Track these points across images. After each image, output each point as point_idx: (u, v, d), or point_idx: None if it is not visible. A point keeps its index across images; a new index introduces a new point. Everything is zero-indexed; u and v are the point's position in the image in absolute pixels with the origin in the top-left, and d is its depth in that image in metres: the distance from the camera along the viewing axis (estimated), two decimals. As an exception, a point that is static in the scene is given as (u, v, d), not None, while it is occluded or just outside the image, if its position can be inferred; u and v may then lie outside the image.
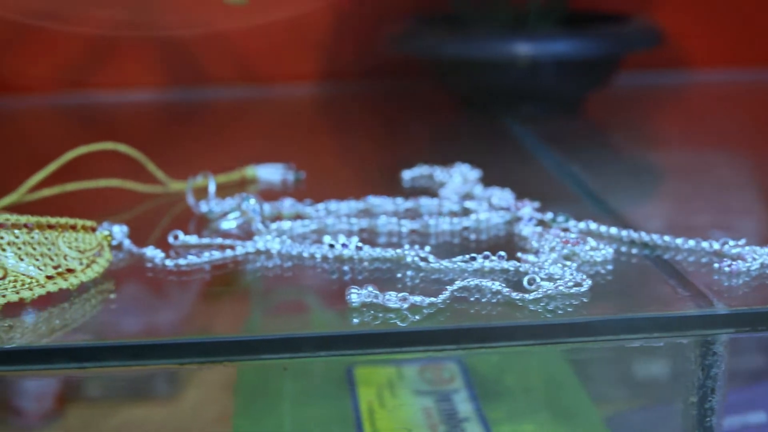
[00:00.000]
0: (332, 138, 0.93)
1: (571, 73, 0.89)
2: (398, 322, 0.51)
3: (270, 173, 0.72)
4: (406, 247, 0.58)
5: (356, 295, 0.52)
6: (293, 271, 0.58)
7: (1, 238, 0.54)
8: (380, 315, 0.52)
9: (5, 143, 0.90)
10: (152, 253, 0.59)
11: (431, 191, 0.70)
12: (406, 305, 0.52)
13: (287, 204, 0.65)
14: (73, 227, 0.57)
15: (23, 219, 0.55)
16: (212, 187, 0.66)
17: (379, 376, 0.72)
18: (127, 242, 0.60)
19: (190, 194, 0.66)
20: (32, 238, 0.55)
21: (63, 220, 0.57)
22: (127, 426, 0.83)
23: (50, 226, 0.56)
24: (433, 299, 0.52)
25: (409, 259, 0.57)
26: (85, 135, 0.95)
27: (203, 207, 0.65)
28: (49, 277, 0.54)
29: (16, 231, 0.54)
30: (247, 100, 1.02)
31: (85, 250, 0.57)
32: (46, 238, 0.55)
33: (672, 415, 0.64)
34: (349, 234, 0.62)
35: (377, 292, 0.52)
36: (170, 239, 0.61)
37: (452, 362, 0.74)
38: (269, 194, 0.69)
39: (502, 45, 0.87)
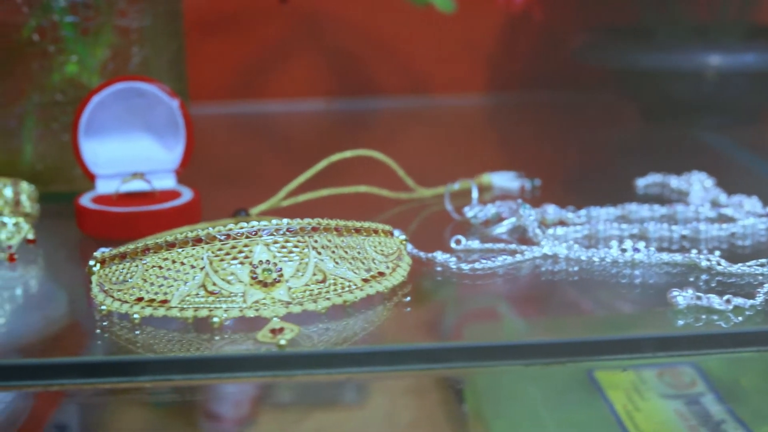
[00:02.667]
0: (517, 147, 0.93)
1: (759, 84, 0.90)
2: (722, 324, 0.52)
3: (505, 180, 0.72)
4: (694, 251, 0.59)
5: (681, 298, 0.53)
6: (579, 274, 0.59)
7: (315, 241, 0.54)
8: (703, 317, 0.52)
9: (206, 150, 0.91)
10: (442, 257, 0.59)
11: (664, 198, 0.71)
12: (730, 307, 0.53)
13: (551, 210, 0.66)
14: (375, 231, 0.57)
15: (333, 223, 0.55)
16: (475, 193, 0.66)
17: (622, 380, 0.72)
18: (408, 246, 0.60)
19: (448, 200, 0.67)
20: (342, 242, 0.55)
21: (366, 225, 0.57)
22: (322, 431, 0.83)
23: (356, 230, 0.56)
24: (752, 301, 0.53)
25: (704, 264, 0.58)
26: (265, 144, 0.96)
27: (468, 212, 0.65)
28: (365, 281, 0.55)
29: (329, 235, 0.55)
30: (417, 110, 1.03)
31: (389, 254, 0.57)
32: (354, 242, 0.56)
33: None
34: (620, 239, 0.63)
35: (701, 294, 0.53)
36: (452, 244, 0.61)
37: (688, 366, 0.74)
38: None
39: (692, 56, 0.88)
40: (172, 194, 0.67)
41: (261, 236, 0.53)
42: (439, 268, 0.59)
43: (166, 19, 0.74)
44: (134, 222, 0.65)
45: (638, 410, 0.68)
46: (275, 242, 0.53)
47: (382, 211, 0.70)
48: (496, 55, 1.04)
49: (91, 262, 0.55)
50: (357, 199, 0.71)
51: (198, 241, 0.53)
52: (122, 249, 0.55)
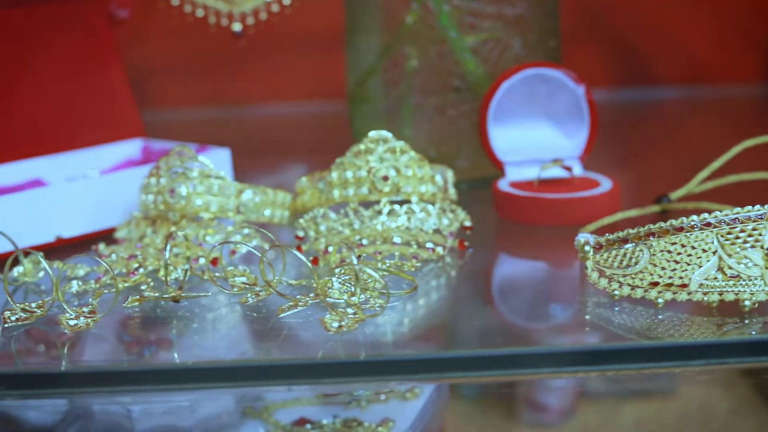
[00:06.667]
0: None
1: None
2: None
3: None
4: None
5: None
6: None
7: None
8: None
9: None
10: None
11: None
12: None
13: None
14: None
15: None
16: None
17: None
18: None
19: None
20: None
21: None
22: (642, 423, 0.83)
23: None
24: None
25: None
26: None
27: None
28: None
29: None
30: (696, 99, 1.02)
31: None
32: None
33: None
34: None
35: None
36: None
37: None
38: None
39: None
40: (587, 181, 0.68)
41: (770, 220, 0.54)
42: None
43: (546, 11, 0.74)
44: (561, 208, 0.65)
45: None
46: (779, 226, 0.54)
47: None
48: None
49: (587, 248, 0.56)
50: (738, 186, 0.71)
51: (707, 225, 0.54)
52: (621, 234, 0.55)
